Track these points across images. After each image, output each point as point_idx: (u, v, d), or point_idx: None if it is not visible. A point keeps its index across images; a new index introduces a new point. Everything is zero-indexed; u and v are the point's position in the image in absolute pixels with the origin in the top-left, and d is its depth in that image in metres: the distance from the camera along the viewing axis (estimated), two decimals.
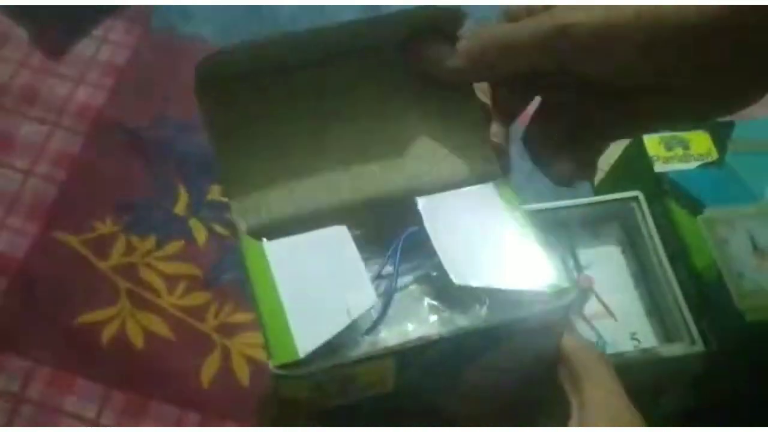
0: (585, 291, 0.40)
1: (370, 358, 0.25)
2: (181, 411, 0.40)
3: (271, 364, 0.24)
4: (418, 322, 0.27)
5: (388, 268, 0.27)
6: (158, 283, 0.43)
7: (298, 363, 0.24)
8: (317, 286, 0.26)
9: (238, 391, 0.41)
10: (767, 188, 0.42)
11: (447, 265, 0.26)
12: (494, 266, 0.26)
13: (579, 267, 0.41)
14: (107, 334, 0.42)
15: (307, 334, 0.24)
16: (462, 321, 0.26)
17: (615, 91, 0.27)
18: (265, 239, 0.27)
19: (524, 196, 0.30)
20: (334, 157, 0.29)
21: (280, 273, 0.26)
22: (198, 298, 0.43)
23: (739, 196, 0.42)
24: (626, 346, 0.38)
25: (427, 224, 0.27)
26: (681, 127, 0.41)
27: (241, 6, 0.54)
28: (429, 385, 0.26)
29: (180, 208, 0.46)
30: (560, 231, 0.43)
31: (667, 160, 0.42)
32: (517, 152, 0.30)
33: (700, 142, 0.43)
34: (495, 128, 0.29)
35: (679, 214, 0.41)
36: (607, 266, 0.41)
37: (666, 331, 0.40)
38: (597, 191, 0.49)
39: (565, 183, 0.29)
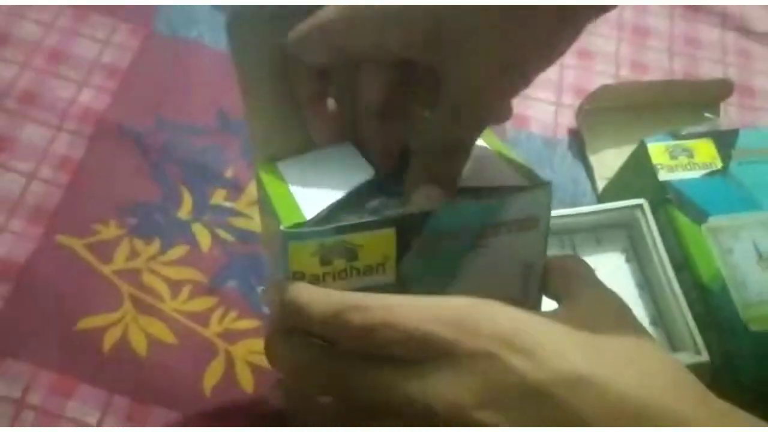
0: None
1: (370, 226, 0.27)
2: (184, 417, 0.40)
3: (281, 227, 0.27)
4: None
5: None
6: (162, 287, 0.43)
7: (305, 224, 0.27)
8: (323, 175, 0.29)
9: (242, 398, 0.41)
10: None
11: None
12: (478, 171, 0.30)
13: None
14: (110, 339, 0.41)
15: (313, 205, 0.28)
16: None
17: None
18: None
19: None
20: None
21: (289, 175, 0.30)
22: (202, 303, 0.43)
23: (743, 204, 0.42)
24: None
25: None
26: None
27: None
28: (428, 279, 0.28)
29: (184, 212, 0.46)
30: (564, 238, 0.43)
31: (671, 169, 0.42)
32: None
33: (705, 150, 0.43)
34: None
35: (684, 223, 0.41)
36: (610, 274, 0.41)
37: (670, 340, 0.40)
38: (600, 199, 0.49)
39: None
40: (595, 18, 0.29)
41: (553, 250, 0.36)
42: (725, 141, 0.44)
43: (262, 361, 0.41)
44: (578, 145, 0.52)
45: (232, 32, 0.31)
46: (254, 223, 0.46)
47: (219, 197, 0.47)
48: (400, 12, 0.27)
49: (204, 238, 0.45)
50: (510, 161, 0.31)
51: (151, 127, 0.48)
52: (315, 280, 0.27)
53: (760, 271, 0.40)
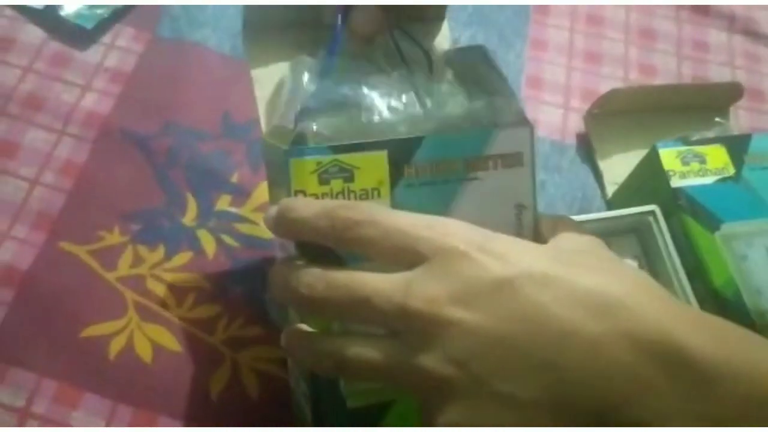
0: None
1: (363, 147, 0.29)
2: (189, 425, 0.39)
3: (283, 148, 0.29)
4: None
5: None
6: (167, 294, 0.43)
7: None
8: None
9: (247, 405, 0.40)
10: None
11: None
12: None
13: None
14: (115, 347, 0.41)
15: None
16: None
17: None
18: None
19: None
20: None
21: None
22: (207, 310, 0.43)
23: (756, 211, 0.42)
24: None
25: None
26: None
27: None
28: (422, 210, 0.29)
29: (189, 218, 0.45)
30: None
31: (683, 175, 0.42)
32: None
33: (717, 156, 0.42)
34: None
35: (696, 229, 0.40)
36: None
37: None
38: (610, 204, 0.48)
39: None
40: None
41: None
42: (737, 146, 0.43)
43: (269, 368, 0.41)
44: (587, 149, 0.51)
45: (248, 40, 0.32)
46: (260, 228, 0.46)
47: (224, 203, 0.46)
48: None
49: (209, 245, 0.45)
50: (507, 95, 0.33)
51: (156, 132, 0.48)
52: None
53: None
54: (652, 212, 0.42)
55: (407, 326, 0.26)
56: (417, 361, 0.26)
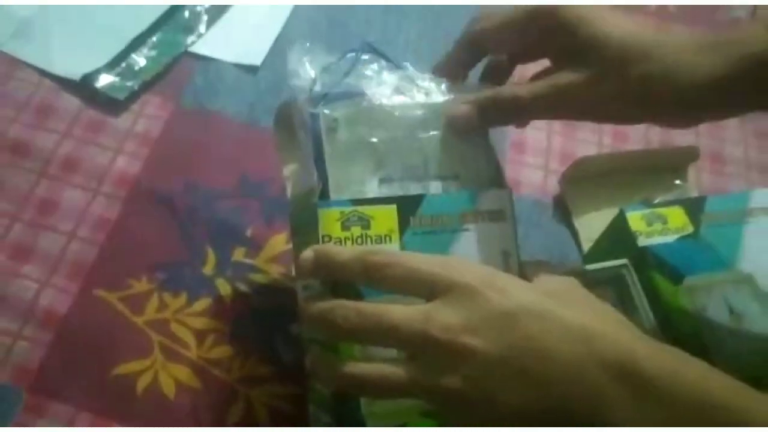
0: None
1: (378, 201, 0.37)
2: None
3: (314, 201, 0.37)
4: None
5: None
6: (188, 337, 0.48)
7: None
8: None
9: None
10: (739, 256, 0.46)
11: None
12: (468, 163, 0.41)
13: None
14: (142, 383, 0.46)
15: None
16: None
17: None
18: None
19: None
20: None
21: None
22: (224, 351, 0.47)
23: (714, 264, 0.45)
24: None
25: None
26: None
27: (263, 86, 0.60)
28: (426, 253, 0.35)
29: (208, 269, 0.51)
30: None
31: (648, 234, 0.46)
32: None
33: (677, 216, 0.47)
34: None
35: (663, 283, 0.44)
36: None
37: None
38: (585, 260, 0.53)
39: None
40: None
41: None
42: (695, 208, 0.47)
43: (279, 404, 0.46)
44: (562, 210, 0.57)
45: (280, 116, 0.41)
46: (271, 277, 0.51)
47: (240, 254, 0.51)
48: None
49: (226, 292, 0.50)
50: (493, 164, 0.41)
51: (179, 191, 0.54)
52: (338, 243, 0.36)
53: (732, 327, 0.43)
54: (625, 265, 0.46)
55: (427, 350, 0.32)
56: (437, 379, 0.32)
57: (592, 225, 0.54)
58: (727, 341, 0.43)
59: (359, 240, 0.36)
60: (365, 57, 0.41)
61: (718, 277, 0.45)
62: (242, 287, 0.50)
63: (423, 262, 0.34)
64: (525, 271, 0.38)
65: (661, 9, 0.71)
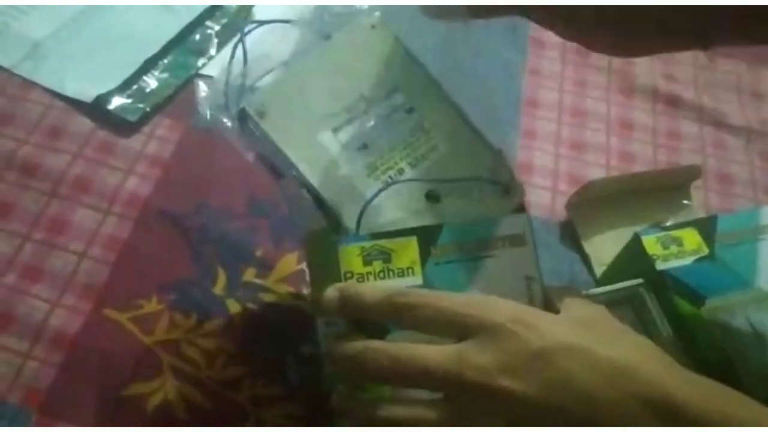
0: None
1: (397, 234, 0.36)
2: None
3: (334, 241, 0.36)
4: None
5: None
6: (199, 357, 0.47)
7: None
8: None
9: None
10: (756, 274, 0.46)
11: None
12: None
13: None
14: (152, 403, 0.45)
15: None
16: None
17: None
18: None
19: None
20: None
21: None
22: (234, 371, 0.47)
23: (733, 284, 0.46)
24: None
25: None
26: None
27: None
28: (449, 284, 0.35)
29: (219, 289, 0.51)
30: None
31: (665, 258, 0.46)
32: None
33: (691, 238, 0.47)
34: None
35: (685, 306, 0.44)
36: None
37: None
38: (599, 283, 0.53)
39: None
40: None
41: None
42: (707, 228, 0.48)
43: (288, 423, 0.45)
44: (571, 234, 0.57)
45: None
46: (281, 298, 0.51)
47: (250, 275, 0.52)
48: None
49: (237, 312, 0.50)
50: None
51: (190, 211, 0.54)
52: (360, 279, 0.36)
53: (756, 346, 0.43)
54: (642, 285, 0.46)
55: (462, 393, 0.32)
56: (475, 422, 0.31)
57: (602, 249, 0.54)
58: (753, 360, 0.43)
59: (381, 274, 0.36)
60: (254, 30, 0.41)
61: (738, 297, 0.45)
62: (253, 307, 0.50)
63: (452, 301, 0.33)
64: (550, 298, 0.37)
65: None
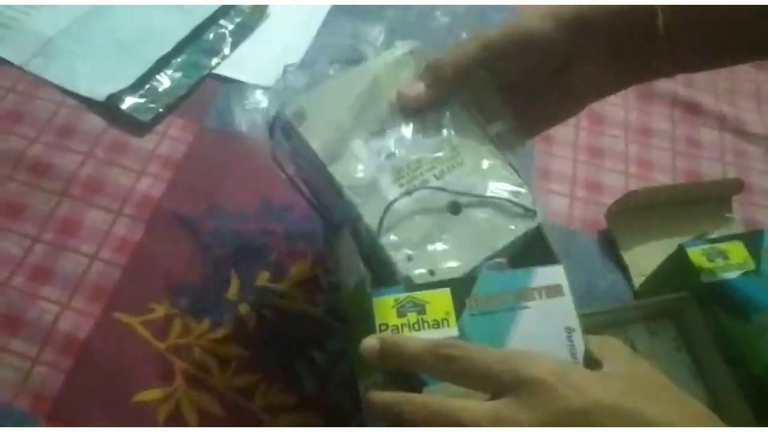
0: None
1: (430, 286, 0.36)
2: None
3: (368, 291, 0.36)
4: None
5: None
6: (211, 363, 0.46)
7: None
8: None
9: None
10: None
11: None
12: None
13: None
14: (163, 411, 0.44)
15: None
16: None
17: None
18: None
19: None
20: None
21: None
22: (247, 378, 0.46)
23: None
24: None
25: None
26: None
27: None
28: (485, 337, 0.35)
29: (232, 293, 0.49)
30: (618, 331, 0.45)
31: (711, 271, 0.45)
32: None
33: (737, 252, 0.46)
34: None
35: (730, 321, 0.44)
36: (665, 363, 0.44)
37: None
38: (638, 294, 0.52)
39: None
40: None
41: None
42: (753, 242, 0.47)
43: None
44: (609, 244, 0.56)
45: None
46: (295, 303, 0.50)
47: (263, 279, 0.50)
48: None
49: (249, 317, 0.49)
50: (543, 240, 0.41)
51: (202, 214, 0.53)
52: (395, 331, 0.35)
53: None
54: (686, 298, 0.45)
55: None
56: None
57: (641, 259, 0.53)
58: None
59: (416, 326, 0.35)
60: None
61: None
62: (266, 313, 0.49)
63: (493, 356, 0.32)
64: (590, 347, 0.36)
65: None
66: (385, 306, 0.36)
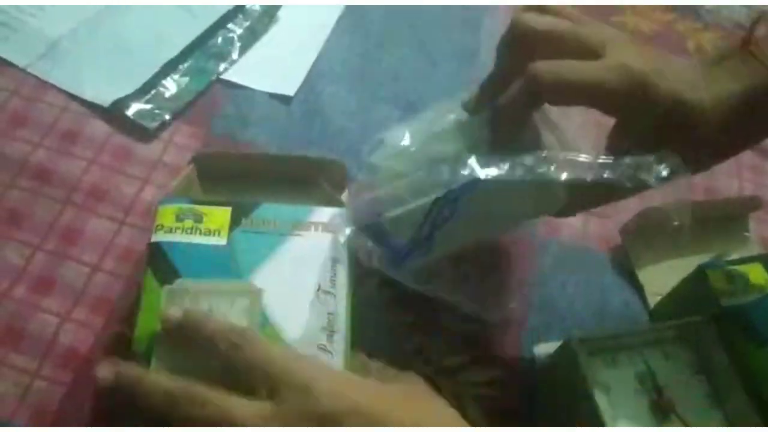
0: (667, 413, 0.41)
1: (214, 203, 0.43)
2: None
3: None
4: None
5: None
6: None
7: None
8: None
9: None
10: None
11: None
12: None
13: (658, 388, 0.42)
14: None
15: None
16: None
17: None
18: None
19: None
20: None
21: None
22: None
23: None
24: None
25: None
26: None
27: (295, 117, 0.59)
28: (253, 252, 0.41)
29: None
30: (633, 354, 0.43)
31: (731, 294, 0.44)
32: None
33: (757, 274, 0.45)
34: None
35: (750, 347, 0.42)
36: (681, 389, 0.42)
37: None
38: (653, 314, 0.51)
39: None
40: None
41: (624, 367, 0.42)
42: None
43: None
44: (622, 262, 0.54)
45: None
46: None
47: None
48: None
49: None
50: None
51: None
52: (168, 231, 0.41)
53: None
54: (705, 323, 0.43)
55: None
56: None
57: (656, 278, 0.52)
58: None
59: (190, 231, 0.41)
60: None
61: None
62: None
63: (274, 354, 0.34)
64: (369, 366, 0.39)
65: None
66: (168, 212, 0.42)
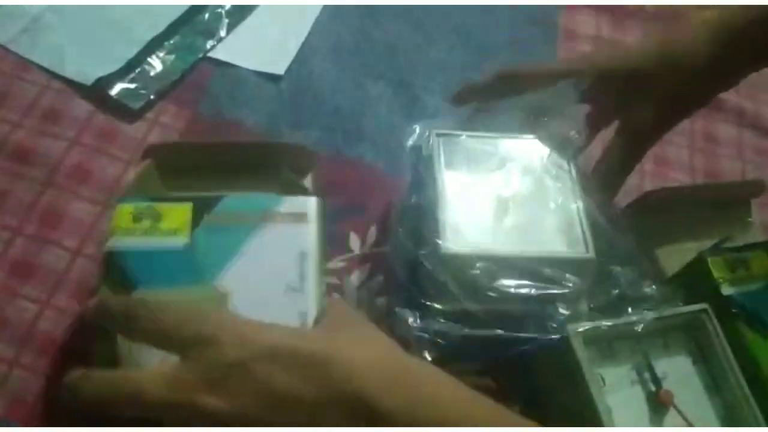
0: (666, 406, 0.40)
1: (173, 199, 0.41)
2: None
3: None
4: None
5: None
6: None
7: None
8: None
9: None
10: None
11: None
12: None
13: (656, 380, 0.41)
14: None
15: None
16: None
17: None
18: None
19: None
20: None
21: None
22: None
23: None
24: None
25: None
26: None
27: (286, 96, 0.57)
28: (216, 251, 0.39)
29: None
30: (633, 343, 0.42)
31: (732, 282, 0.43)
32: None
33: (761, 262, 0.44)
34: None
35: (750, 336, 0.41)
36: (680, 377, 0.42)
37: None
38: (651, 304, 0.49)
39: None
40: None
41: (623, 356, 0.41)
42: None
43: None
44: None
45: None
46: None
47: None
48: None
49: None
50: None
51: None
52: (125, 234, 0.39)
53: None
54: (705, 311, 0.42)
55: (173, 414, 0.31)
56: None
57: (659, 261, 0.50)
58: None
59: (148, 232, 0.39)
60: None
61: None
62: None
63: (179, 315, 0.32)
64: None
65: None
66: (125, 212, 0.40)
